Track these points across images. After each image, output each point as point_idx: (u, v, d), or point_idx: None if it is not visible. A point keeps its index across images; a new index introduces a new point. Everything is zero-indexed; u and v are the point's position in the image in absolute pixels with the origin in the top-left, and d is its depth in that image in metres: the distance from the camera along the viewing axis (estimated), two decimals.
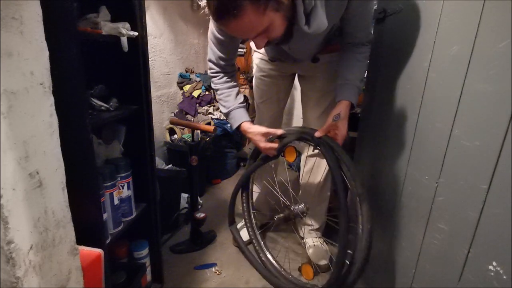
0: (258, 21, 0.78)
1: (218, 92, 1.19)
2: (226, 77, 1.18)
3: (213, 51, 1.13)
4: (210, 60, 1.17)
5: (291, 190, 1.33)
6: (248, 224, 1.41)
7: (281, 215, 1.32)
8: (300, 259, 1.48)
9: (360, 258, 0.94)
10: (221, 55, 1.12)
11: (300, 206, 1.29)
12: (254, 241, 1.38)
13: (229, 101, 1.17)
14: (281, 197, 1.37)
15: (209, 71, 1.21)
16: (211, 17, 0.82)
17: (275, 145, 1.12)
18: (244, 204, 1.40)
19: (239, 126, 1.16)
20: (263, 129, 1.13)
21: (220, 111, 1.25)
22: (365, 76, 1.12)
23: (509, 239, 0.59)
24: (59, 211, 0.60)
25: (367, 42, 1.05)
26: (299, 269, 1.38)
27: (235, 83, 1.20)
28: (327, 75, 1.23)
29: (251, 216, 1.41)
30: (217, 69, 1.17)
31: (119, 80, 1.00)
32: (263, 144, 1.12)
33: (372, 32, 1.10)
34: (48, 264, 0.58)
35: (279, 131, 1.13)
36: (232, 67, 1.19)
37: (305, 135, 1.10)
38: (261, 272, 1.31)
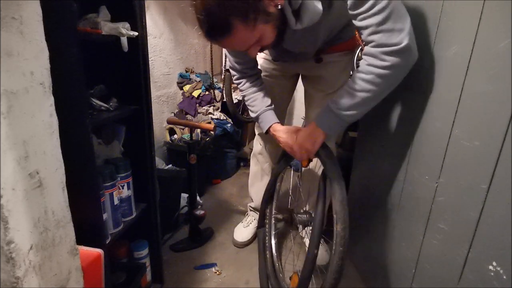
0: (250, 36, 0.80)
1: (245, 98, 1.19)
2: (249, 82, 1.17)
3: (229, 58, 1.15)
4: (230, 67, 1.18)
5: (291, 195, 1.30)
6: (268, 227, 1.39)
7: (284, 215, 1.31)
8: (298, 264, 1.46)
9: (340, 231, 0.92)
10: (236, 59, 1.13)
11: (304, 216, 1.24)
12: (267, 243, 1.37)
13: (256, 105, 1.15)
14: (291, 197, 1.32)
15: (233, 79, 1.21)
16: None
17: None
18: (268, 207, 1.37)
19: (269, 129, 1.13)
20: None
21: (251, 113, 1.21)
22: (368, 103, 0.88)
23: (509, 239, 0.59)
24: (59, 211, 0.60)
25: (390, 45, 0.78)
26: (290, 278, 1.39)
27: (260, 86, 1.18)
28: (330, 75, 1.21)
29: (272, 219, 1.38)
30: (238, 74, 1.17)
31: (119, 80, 1.00)
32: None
33: (403, 34, 0.76)
34: (48, 264, 0.58)
35: None
36: (253, 70, 1.18)
37: None
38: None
